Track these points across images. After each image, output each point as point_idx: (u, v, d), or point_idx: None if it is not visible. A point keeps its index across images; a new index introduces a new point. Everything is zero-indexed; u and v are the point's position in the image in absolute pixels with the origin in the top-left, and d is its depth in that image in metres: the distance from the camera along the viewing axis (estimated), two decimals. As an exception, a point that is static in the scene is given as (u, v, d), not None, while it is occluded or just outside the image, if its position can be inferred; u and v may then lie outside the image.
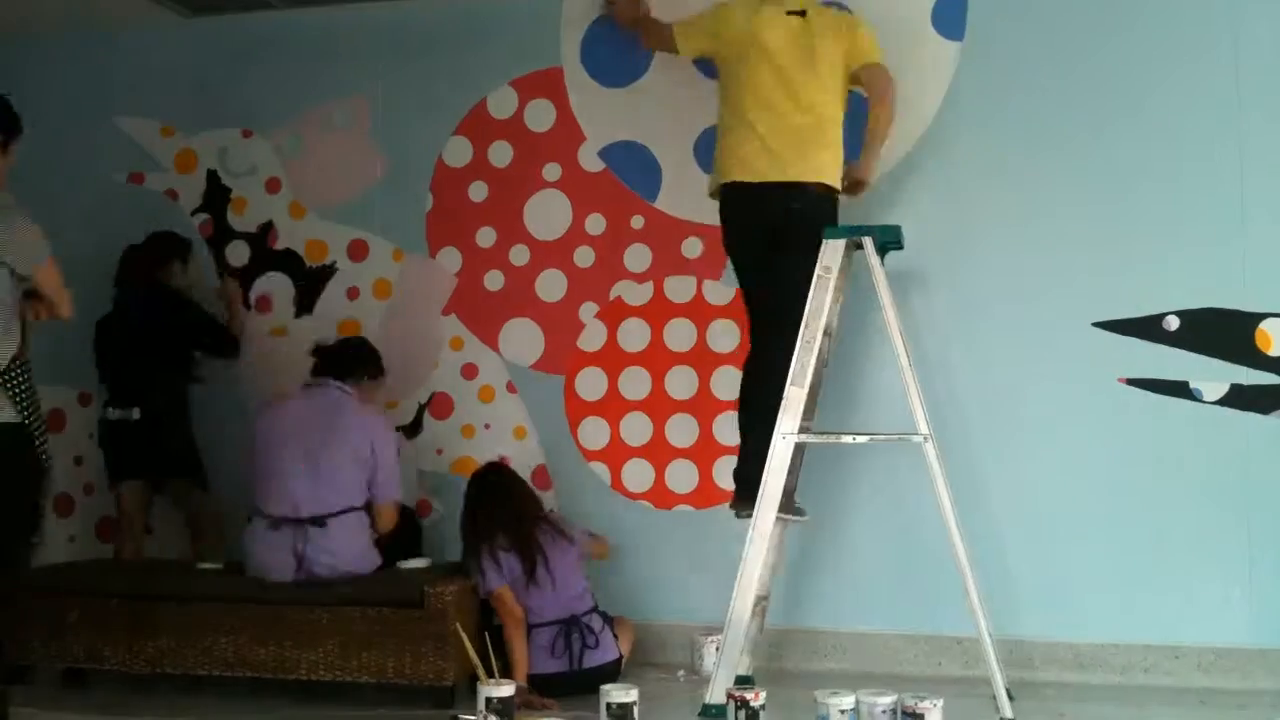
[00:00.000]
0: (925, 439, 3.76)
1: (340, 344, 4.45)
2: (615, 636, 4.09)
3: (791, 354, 3.78)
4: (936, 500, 3.73)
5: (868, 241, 3.90)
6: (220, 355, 4.84)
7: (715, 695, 3.65)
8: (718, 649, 4.24)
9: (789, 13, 4.07)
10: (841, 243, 3.88)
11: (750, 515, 3.78)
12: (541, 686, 3.90)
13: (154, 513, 4.92)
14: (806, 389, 3.78)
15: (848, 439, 4.06)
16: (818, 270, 3.84)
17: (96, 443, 4.81)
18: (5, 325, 3.24)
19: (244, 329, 4.91)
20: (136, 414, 4.63)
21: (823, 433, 4.12)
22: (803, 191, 3.96)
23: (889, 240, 4.00)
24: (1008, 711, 3.53)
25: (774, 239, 3.98)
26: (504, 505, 4.13)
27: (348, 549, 4.06)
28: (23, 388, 3.26)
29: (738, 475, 4.07)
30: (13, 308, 3.27)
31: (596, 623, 4.05)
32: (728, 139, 4.08)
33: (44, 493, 3.44)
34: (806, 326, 3.80)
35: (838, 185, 4.03)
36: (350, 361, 4.35)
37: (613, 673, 3.97)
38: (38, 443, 3.28)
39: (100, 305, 4.78)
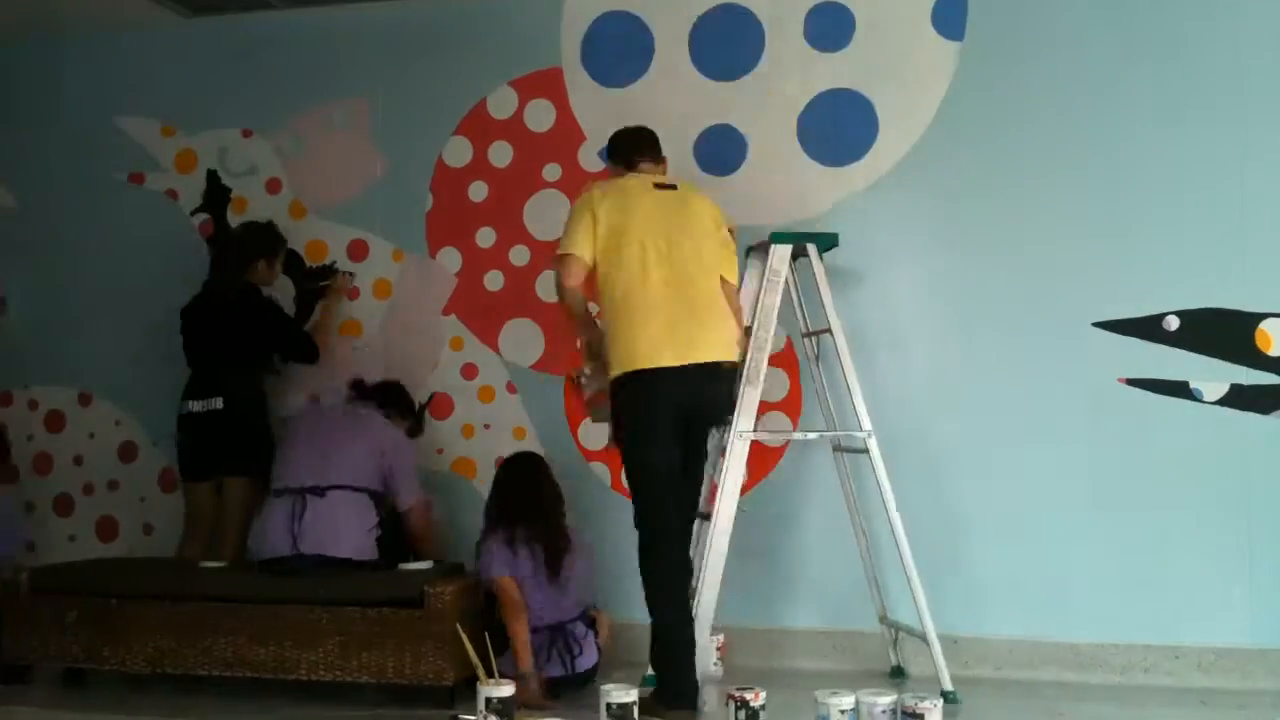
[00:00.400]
0: (868, 435, 3.97)
1: (379, 385, 4.56)
2: (596, 635, 4.10)
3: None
4: (881, 497, 3.94)
5: (811, 248, 4.08)
6: (301, 360, 4.78)
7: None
8: (718, 649, 4.28)
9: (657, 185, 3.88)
10: (789, 248, 4.05)
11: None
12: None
13: (161, 509, 4.93)
14: (759, 388, 3.91)
15: (798, 436, 4.30)
16: (767, 274, 3.99)
17: (175, 437, 4.72)
18: None
19: (332, 331, 4.85)
20: (219, 404, 4.58)
21: (775, 431, 4.40)
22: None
23: (828, 245, 4.18)
24: (948, 684, 3.83)
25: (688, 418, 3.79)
26: (535, 496, 4.14)
27: (344, 527, 4.08)
28: None
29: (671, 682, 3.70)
30: None
31: (581, 630, 4.05)
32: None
33: None
34: (760, 328, 3.93)
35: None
36: (388, 395, 4.51)
37: (591, 675, 4.00)
38: None
39: (103, 305, 4.79)
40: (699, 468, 3.96)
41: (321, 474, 4.14)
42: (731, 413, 3.95)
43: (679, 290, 3.70)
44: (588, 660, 4.03)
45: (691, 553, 3.90)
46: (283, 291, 4.90)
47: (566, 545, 4.06)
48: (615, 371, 3.72)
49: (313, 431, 4.29)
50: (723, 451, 3.99)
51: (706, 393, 3.76)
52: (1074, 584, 4.20)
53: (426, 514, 4.37)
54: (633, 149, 3.99)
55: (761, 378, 3.90)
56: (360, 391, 4.49)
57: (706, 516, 3.97)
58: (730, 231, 3.93)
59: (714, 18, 4.63)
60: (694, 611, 3.79)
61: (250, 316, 4.66)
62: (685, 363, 3.66)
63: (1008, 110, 4.35)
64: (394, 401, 4.54)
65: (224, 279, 4.71)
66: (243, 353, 4.66)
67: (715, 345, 3.73)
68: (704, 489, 4.04)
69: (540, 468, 4.27)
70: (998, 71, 4.36)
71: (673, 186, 3.89)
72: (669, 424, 3.70)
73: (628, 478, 3.76)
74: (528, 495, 4.13)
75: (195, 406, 4.62)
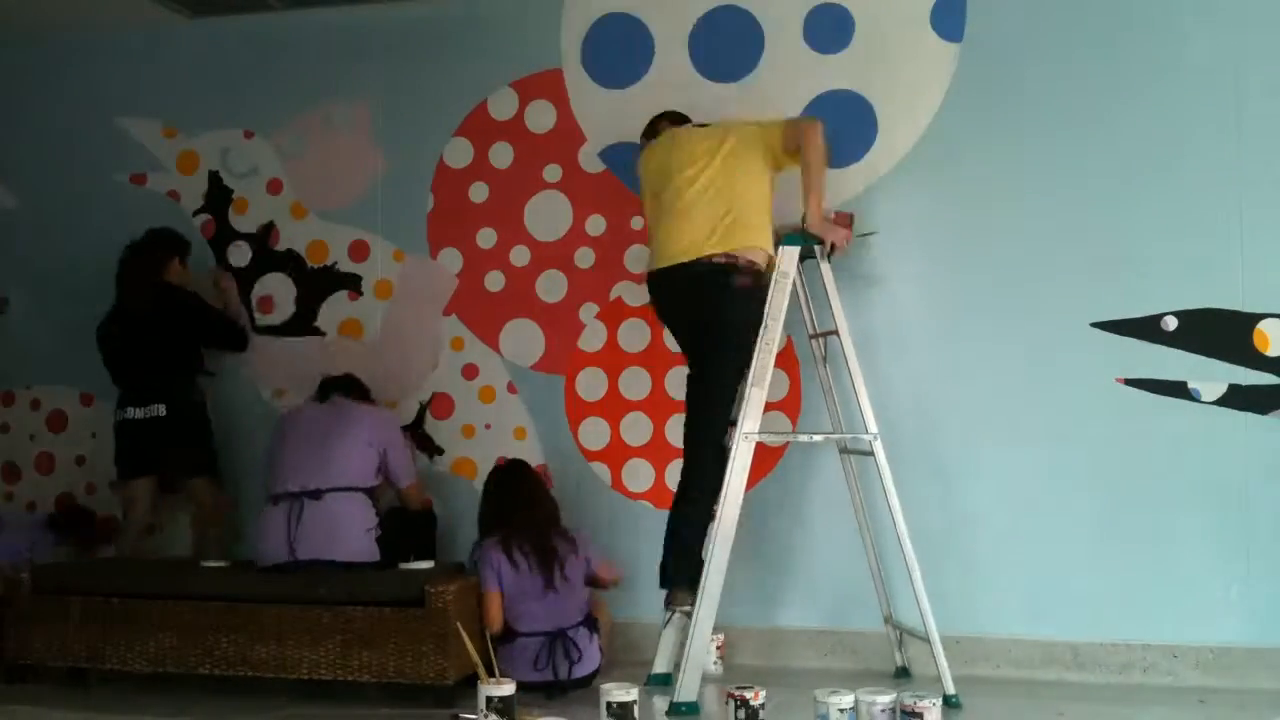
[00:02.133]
0: (874, 438, 3.95)
1: (332, 382, 4.54)
2: (599, 637, 4.10)
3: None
4: (886, 499, 3.92)
5: (820, 249, 4.08)
6: (230, 348, 4.86)
7: (685, 693, 3.70)
8: (718, 648, 4.29)
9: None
10: (796, 250, 4.03)
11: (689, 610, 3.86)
12: (524, 687, 3.94)
13: (162, 509, 4.95)
14: (765, 389, 3.90)
15: (804, 438, 4.29)
16: (776, 276, 3.99)
17: (114, 441, 4.77)
18: None
19: (246, 319, 4.94)
20: (162, 410, 4.62)
21: (778, 433, 4.42)
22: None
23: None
24: (950, 689, 3.80)
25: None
26: (527, 504, 4.16)
27: (343, 529, 4.10)
28: None
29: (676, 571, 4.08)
30: None
31: (583, 636, 4.02)
32: None
33: None
34: (766, 329, 3.92)
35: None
36: (347, 387, 4.50)
37: (591, 680, 3.99)
38: None
39: (105, 306, 4.80)
40: (704, 378, 4.12)
41: (317, 476, 4.14)
42: (721, 316, 4.02)
43: (666, 202, 4.14)
44: (588, 665, 4.01)
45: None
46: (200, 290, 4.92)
47: (563, 551, 4.06)
48: None
49: (304, 432, 4.26)
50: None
51: (682, 294, 4.07)
52: (1073, 583, 4.21)
53: (421, 493, 4.46)
54: (653, 121, 4.42)
55: (768, 380, 3.89)
56: (331, 387, 4.47)
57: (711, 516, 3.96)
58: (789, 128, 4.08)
59: (714, 19, 4.64)
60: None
61: (177, 312, 4.71)
62: (657, 267, 4.14)
63: (1007, 111, 4.36)
64: (357, 388, 4.53)
65: (137, 285, 4.74)
66: (178, 352, 4.71)
67: (684, 244, 4.05)
68: (729, 410, 4.08)
69: (530, 475, 4.30)
70: (997, 73, 4.38)
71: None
72: (672, 330, 4.30)
73: None
74: (521, 503, 4.15)
75: (135, 413, 4.66)
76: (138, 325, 4.71)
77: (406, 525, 4.33)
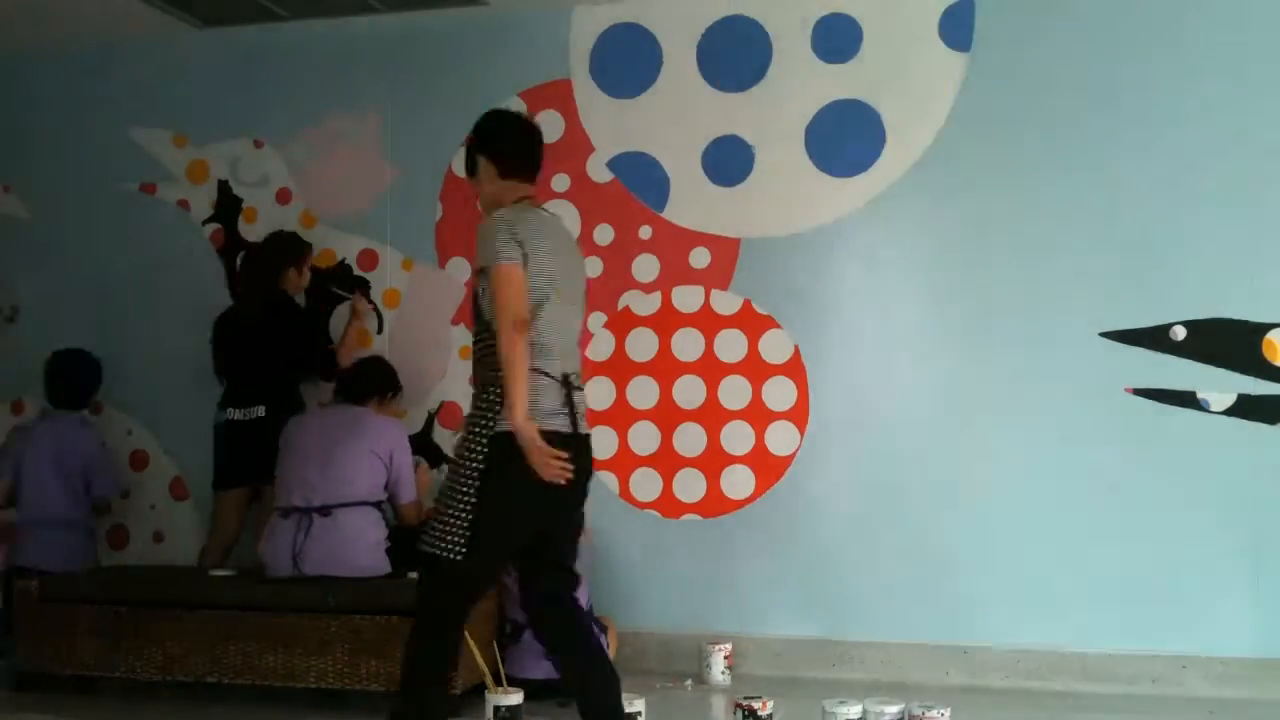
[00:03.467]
0: None
1: (358, 366, 4.52)
2: (605, 635, 4.10)
3: None
4: None
5: None
6: (317, 373, 4.78)
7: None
8: (726, 658, 4.28)
9: None
10: None
11: None
12: (533, 692, 3.94)
13: (171, 517, 4.96)
14: None
15: None
16: None
17: (213, 445, 4.73)
18: None
19: (353, 350, 4.84)
20: (262, 411, 4.59)
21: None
22: None
23: None
24: None
25: None
26: None
27: (352, 544, 4.09)
28: None
29: None
30: None
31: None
32: None
33: None
34: None
35: None
36: (368, 382, 4.44)
37: None
38: None
39: (115, 315, 4.82)
40: None
41: (328, 491, 4.11)
42: None
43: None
44: None
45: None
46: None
47: None
48: None
49: (310, 443, 4.22)
50: None
51: None
52: (1082, 594, 4.20)
53: (419, 512, 4.36)
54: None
55: None
56: (342, 385, 4.43)
57: None
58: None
59: (722, 29, 4.65)
60: None
61: (286, 325, 4.69)
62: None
63: (1015, 120, 4.36)
64: (380, 383, 4.47)
65: (256, 288, 4.74)
66: (282, 361, 4.67)
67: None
68: None
69: None
70: (1004, 82, 4.37)
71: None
72: None
73: None
74: None
75: (235, 414, 4.63)
76: (249, 329, 4.69)
77: (413, 533, 4.33)
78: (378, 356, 4.66)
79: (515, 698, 3.41)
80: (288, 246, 4.81)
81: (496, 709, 3.38)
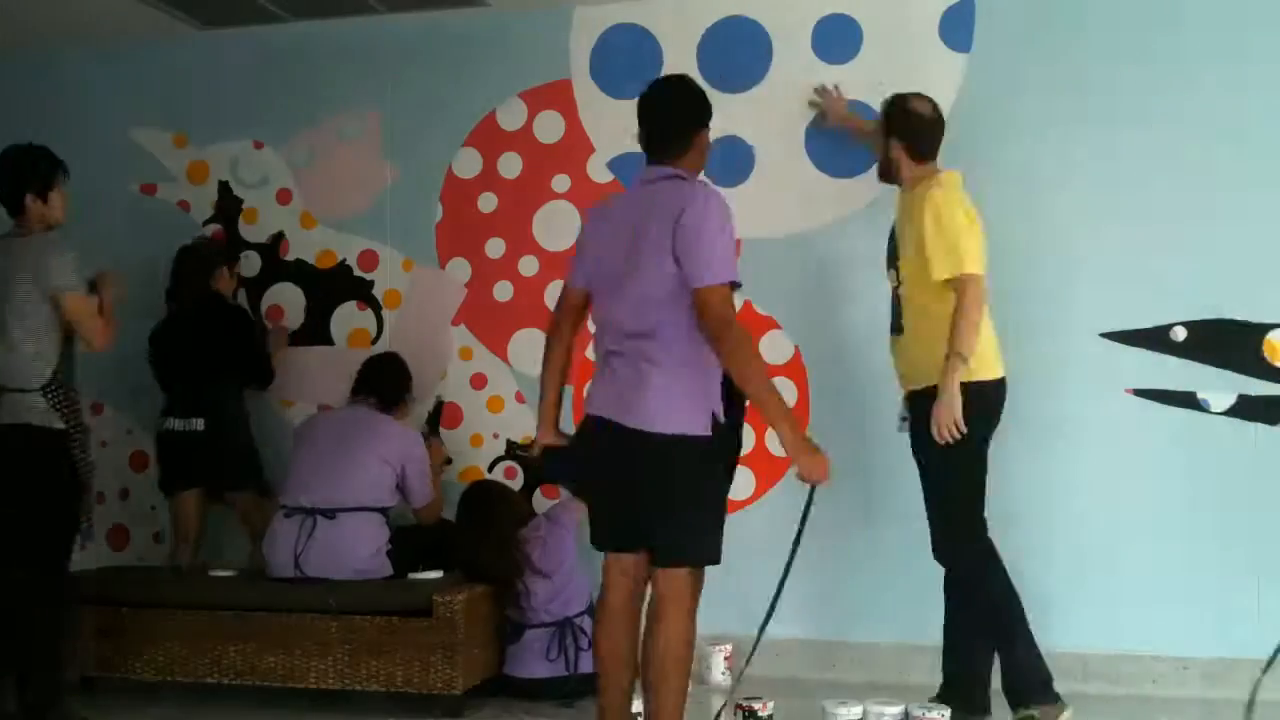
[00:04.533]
0: None
1: (386, 367, 4.54)
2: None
3: None
4: None
5: None
6: (252, 383, 4.80)
7: None
8: (726, 659, 4.28)
9: None
10: None
11: None
12: (534, 691, 3.95)
13: (170, 522, 4.94)
14: None
15: None
16: None
17: (154, 454, 4.77)
18: (38, 347, 3.67)
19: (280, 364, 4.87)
20: (200, 424, 4.59)
21: None
22: None
23: None
24: None
25: None
26: (485, 525, 4.21)
27: (355, 548, 4.09)
28: (62, 401, 3.74)
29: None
30: (45, 331, 3.68)
31: (589, 624, 4.03)
32: None
33: (83, 501, 3.78)
34: None
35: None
36: (397, 389, 4.49)
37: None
38: (77, 453, 3.71)
39: (114, 314, 4.80)
40: None
41: (333, 494, 4.12)
42: None
43: None
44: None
45: None
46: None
47: (537, 548, 4.11)
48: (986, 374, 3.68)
49: (323, 445, 4.24)
50: None
51: None
52: (1081, 594, 4.20)
53: (437, 511, 4.41)
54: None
55: None
56: (374, 388, 4.44)
57: None
58: None
59: (722, 29, 4.65)
60: None
61: (223, 329, 4.69)
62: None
63: (1015, 121, 4.37)
64: (394, 387, 4.49)
65: (189, 293, 4.73)
66: (221, 368, 4.66)
67: None
68: None
69: (491, 492, 4.38)
70: (1005, 83, 4.38)
71: None
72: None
73: (967, 487, 3.70)
74: (481, 526, 4.22)
75: (175, 425, 4.64)
76: (186, 336, 4.69)
77: (416, 535, 4.34)
78: (396, 357, 4.62)
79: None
80: (218, 249, 4.86)
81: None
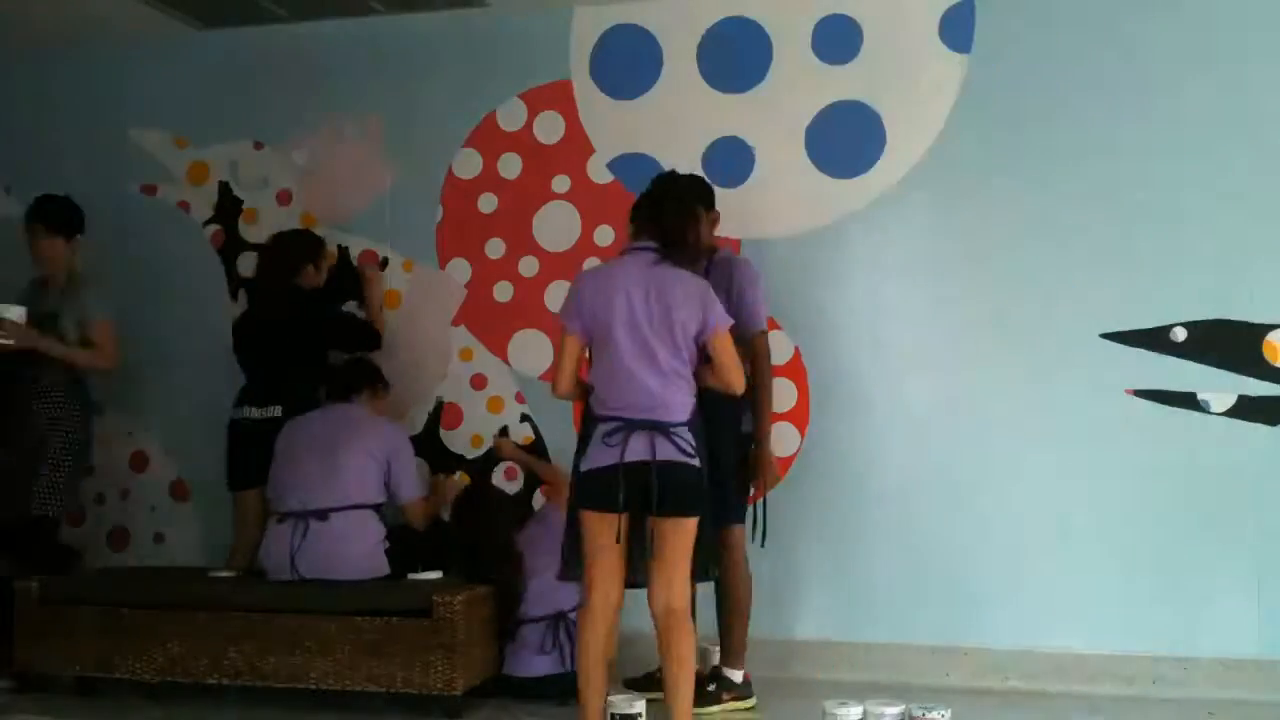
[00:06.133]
0: None
1: (341, 367, 4.52)
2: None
3: None
4: None
5: None
6: (364, 349, 4.72)
7: None
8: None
9: None
10: None
11: None
12: (533, 689, 3.94)
13: (172, 518, 4.95)
14: None
15: None
16: None
17: (226, 444, 4.66)
18: None
19: (383, 317, 4.84)
20: (278, 411, 4.51)
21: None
22: None
23: None
24: None
25: None
26: (484, 528, 4.22)
27: (349, 546, 4.09)
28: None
29: None
30: None
31: None
32: None
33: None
34: None
35: None
36: (356, 375, 4.45)
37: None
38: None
39: (114, 316, 4.80)
40: None
41: (322, 494, 4.11)
42: None
43: None
44: None
45: None
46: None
47: (530, 542, 4.12)
48: None
49: (306, 446, 4.21)
50: None
51: None
52: (1082, 595, 4.20)
53: (425, 508, 4.38)
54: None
55: None
56: (334, 387, 4.43)
57: None
58: None
59: (722, 30, 4.65)
60: None
61: (308, 322, 4.63)
62: None
63: (1015, 122, 4.36)
64: (367, 379, 4.46)
65: (273, 286, 4.69)
66: (301, 360, 4.62)
67: None
68: None
69: (485, 495, 4.41)
70: (1005, 83, 4.38)
71: None
72: None
73: None
74: (476, 528, 4.23)
75: (252, 413, 4.58)
76: (268, 328, 4.63)
77: (415, 534, 4.34)
78: (358, 357, 4.63)
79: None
80: (305, 243, 4.77)
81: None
